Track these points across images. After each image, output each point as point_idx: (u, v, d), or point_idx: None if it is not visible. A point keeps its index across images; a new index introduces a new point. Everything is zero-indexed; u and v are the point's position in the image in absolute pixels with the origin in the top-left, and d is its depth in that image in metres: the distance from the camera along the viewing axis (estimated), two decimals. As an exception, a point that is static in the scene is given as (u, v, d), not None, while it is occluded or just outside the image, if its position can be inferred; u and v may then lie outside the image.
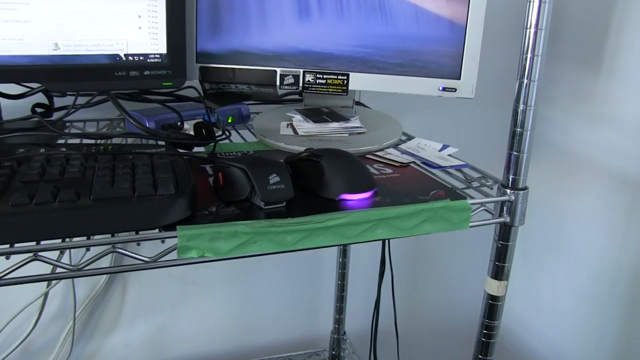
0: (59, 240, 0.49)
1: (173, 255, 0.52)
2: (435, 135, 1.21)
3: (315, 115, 0.85)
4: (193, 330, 1.20)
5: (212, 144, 0.74)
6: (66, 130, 0.86)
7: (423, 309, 1.40)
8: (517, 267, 1.33)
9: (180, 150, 0.68)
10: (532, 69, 0.62)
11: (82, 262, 0.50)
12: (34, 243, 0.48)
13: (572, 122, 1.13)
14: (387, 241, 1.08)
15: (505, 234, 0.67)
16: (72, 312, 1.04)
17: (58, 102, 0.86)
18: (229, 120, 0.88)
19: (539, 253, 1.26)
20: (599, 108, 1.06)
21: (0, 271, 0.48)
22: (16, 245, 0.48)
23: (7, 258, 0.47)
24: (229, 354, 1.24)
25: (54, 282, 1.01)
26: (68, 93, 0.86)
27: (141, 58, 0.72)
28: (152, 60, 0.72)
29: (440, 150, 0.80)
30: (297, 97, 0.97)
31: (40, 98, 0.85)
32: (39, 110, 0.85)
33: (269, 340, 1.28)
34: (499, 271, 0.68)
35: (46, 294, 1.02)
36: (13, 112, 0.83)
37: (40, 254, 0.48)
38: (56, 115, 0.86)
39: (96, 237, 0.50)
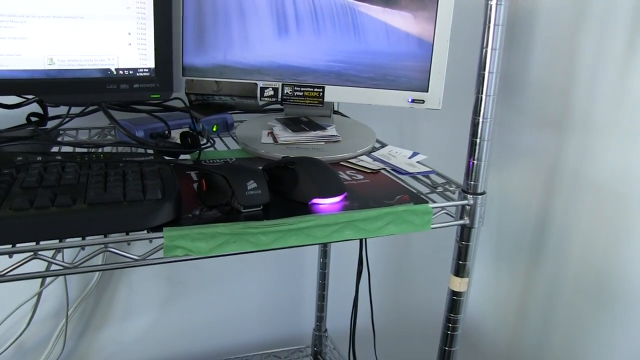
0: (57, 241, 0.54)
1: (160, 254, 0.57)
2: (408, 143, 1.27)
3: (295, 124, 0.90)
4: (181, 328, 1.24)
5: (197, 151, 0.79)
6: (59, 139, 0.91)
7: (398, 306, 1.45)
8: (490, 269, 1.39)
9: (167, 158, 0.74)
10: (488, 85, 0.68)
11: (77, 260, 0.55)
12: (33, 243, 0.53)
13: (544, 129, 1.19)
14: (364, 243, 1.14)
15: (465, 235, 0.73)
16: (65, 310, 1.09)
17: (52, 111, 0.91)
18: (214, 129, 0.94)
19: (511, 255, 1.31)
20: (570, 114, 1.13)
21: (3, 269, 0.53)
22: (17, 245, 0.53)
23: (10, 257, 0.52)
24: (216, 351, 1.29)
25: (47, 281, 1.06)
26: (61, 104, 0.91)
27: (131, 72, 0.77)
28: (141, 74, 0.78)
29: (410, 158, 0.85)
30: (279, 106, 1.03)
31: (35, 107, 0.90)
32: (33, 119, 0.90)
33: (254, 337, 1.32)
34: (460, 269, 0.74)
35: (40, 294, 1.06)
36: (8, 121, 0.87)
37: (39, 252, 0.53)
38: (50, 124, 0.91)
39: (90, 237, 0.55)
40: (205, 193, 0.66)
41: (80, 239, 0.55)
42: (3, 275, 0.52)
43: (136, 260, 0.57)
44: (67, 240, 0.55)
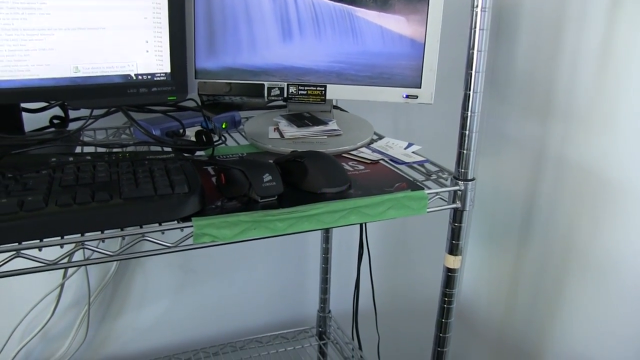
0: (99, 232, 0.62)
1: (189, 241, 0.65)
2: (403, 135, 1.35)
3: (298, 120, 0.98)
4: (193, 313, 1.30)
5: (211, 148, 0.86)
6: (81, 139, 0.98)
7: (397, 286, 1.52)
8: (483, 250, 1.47)
9: (186, 155, 0.81)
10: (475, 83, 0.76)
11: (119, 249, 0.63)
12: (79, 235, 0.61)
13: (530, 117, 1.27)
14: (364, 227, 1.21)
15: (457, 217, 0.81)
16: (87, 299, 1.16)
17: (71, 114, 0.97)
18: (223, 126, 1.00)
19: (502, 237, 1.39)
20: (554, 103, 1.21)
21: (56, 257, 0.60)
22: (65, 237, 0.60)
23: (61, 247, 0.59)
24: (226, 334, 1.35)
25: (69, 273, 1.13)
26: (83, 107, 0.97)
27: (149, 77, 0.84)
28: (158, 78, 0.85)
29: (406, 148, 0.93)
30: (282, 103, 1.10)
31: (57, 111, 0.97)
32: (56, 122, 0.97)
33: (262, 320, 1.39)
34: (454, 248, 0.82)
35: (62, 285, 1.13)
36: (30, 124, 0.93)
37: (85, 243, 0.61)
38: (71, 126, 0.97)
39: (128, 228, 0.63)
40: (225, 186, 0.73)
41: (119, 230, 0.62)
42: (56, 264, 0.60)
43: (169, 247, 0.64)
44: (108, 231, 0.62)
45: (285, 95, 0.93)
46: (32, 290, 1.13)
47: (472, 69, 0.75)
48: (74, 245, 0.61)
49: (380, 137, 0.99)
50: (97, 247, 0.62)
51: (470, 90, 0.76)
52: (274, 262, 1.36)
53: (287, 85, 0.92)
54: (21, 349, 1.15)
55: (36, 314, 1.15)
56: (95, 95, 0.81)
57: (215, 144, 0.86)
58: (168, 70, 0.85)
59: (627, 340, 1.09)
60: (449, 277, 0.84)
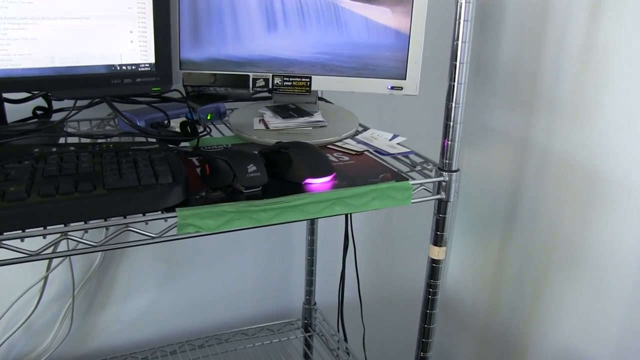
0: (82, 223, 0.61)
1: (173, 232, 0.64)
2: (388, 126, 1.35)
3: (284, 111, 0.98)
4: (178, 305, 1.30)
5: (196, 139, 0.86)
6: (65, 130, 0.97)
7: (383, 278, 1.53)
8: (467, 241, 1.48)
9: (171, 146, 0.81)
10: (459, 74, 0.76)
11: (103, 240, 0.62)
12: (62, 226, 0.60)
13: (514, 109, 1.28)
14: (349, 219, 1.22)
15: (442, 208, 0.81)
16: (71, 292, 1.15)
17: (55, 104, 0.97)
18: (208, 117, 1.00)
19: (486, 227, 1.40)
20: (538, 95, 1.21)
21: (38, 248, 0.60)
22: (48, 227, 0.60)
23: (44, 237, 0.59)
24: (212, 326, 1.35)
25: (53, 265, 1.12)
26: (67, 98, 0.96)
27: (133, 67, 0.83)
28: (142, 69, 0.84)
29: (390, 140, 0.93)
30: (267, 94, 1.10)
31: (40, 102, 0.96)
32: (39, 112, 0.96)
33: (248, 313, 1.39)
34: (438, 239, 0.83)
35: (46, 277, 1.13)
36: (13, 115, 0.92)
37: (69, 233, 0.60)
38: (54, 117, 0.96)
39: (111, 219, 0.62)
40: (209, 177, 0.73)
41: (102, 220, 0.62)
42: (38, 254, 0.59)
43: (153, 237, 0.64)
44: (92, 222, 0.62)
45: (270, 87, 0.93)
46: (15, 282, 1.12)
47: (456, 60, 0.75)
48: (58, 235, 0.61)
49: (365, 129, 0.99)
50: (81, 238, 0.61)
51: (454, 81, 0.76)
52: (260, 254, 1.35)
53: (272, 76, 0.92)
54: (4, 341, 1.14)
55: (19, 306, 1.14)
56: (79, 85, 0.81)
57: (200, 135, 0.86)
58: (152, 60, 0.84)
59: (610, 331, 1.11)
60: (434, 268, 0.85)
